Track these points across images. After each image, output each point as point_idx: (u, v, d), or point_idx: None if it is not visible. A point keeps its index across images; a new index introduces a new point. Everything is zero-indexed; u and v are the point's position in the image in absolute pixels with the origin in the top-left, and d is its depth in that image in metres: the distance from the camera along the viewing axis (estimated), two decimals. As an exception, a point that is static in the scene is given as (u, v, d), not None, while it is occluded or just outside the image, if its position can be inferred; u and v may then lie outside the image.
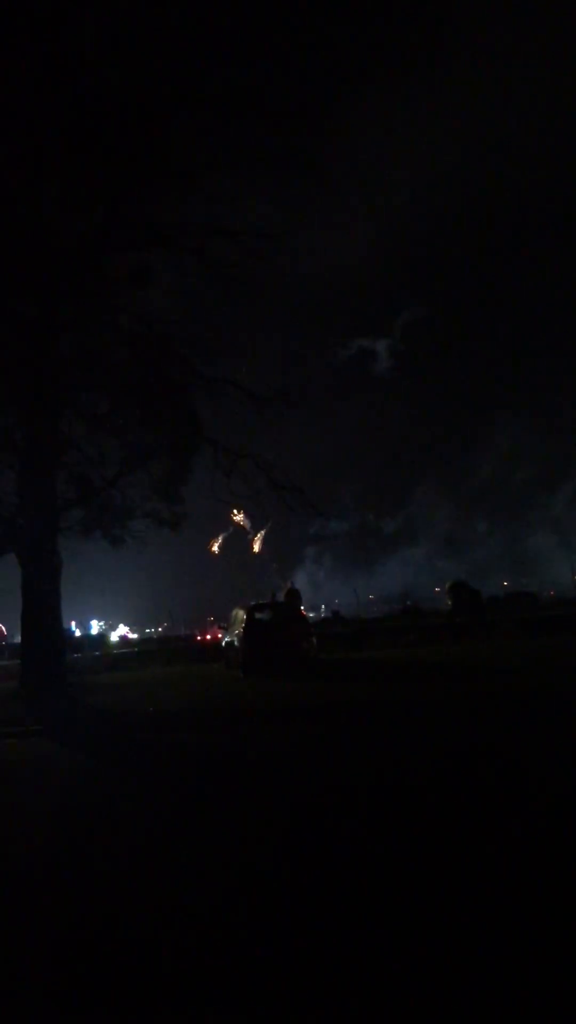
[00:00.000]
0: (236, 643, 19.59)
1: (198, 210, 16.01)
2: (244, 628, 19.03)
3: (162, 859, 4.97)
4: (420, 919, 3.59)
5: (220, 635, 28.82)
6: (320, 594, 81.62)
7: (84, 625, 63.81)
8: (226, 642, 21.93)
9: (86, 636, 52.35)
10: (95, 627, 67.47)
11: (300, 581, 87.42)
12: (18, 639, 23.34)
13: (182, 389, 17.23)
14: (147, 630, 76.88)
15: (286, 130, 15.80)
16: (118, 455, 17.57)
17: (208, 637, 41.19)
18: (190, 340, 16.83)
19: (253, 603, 21.06)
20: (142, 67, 15.30)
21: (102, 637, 53.31)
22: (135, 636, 66.93)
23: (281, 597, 26.41)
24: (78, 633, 52.69)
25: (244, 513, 19.30)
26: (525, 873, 4.05)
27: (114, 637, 58.67)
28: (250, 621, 19.22)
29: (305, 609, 25.50)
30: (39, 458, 16.03)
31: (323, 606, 72.89)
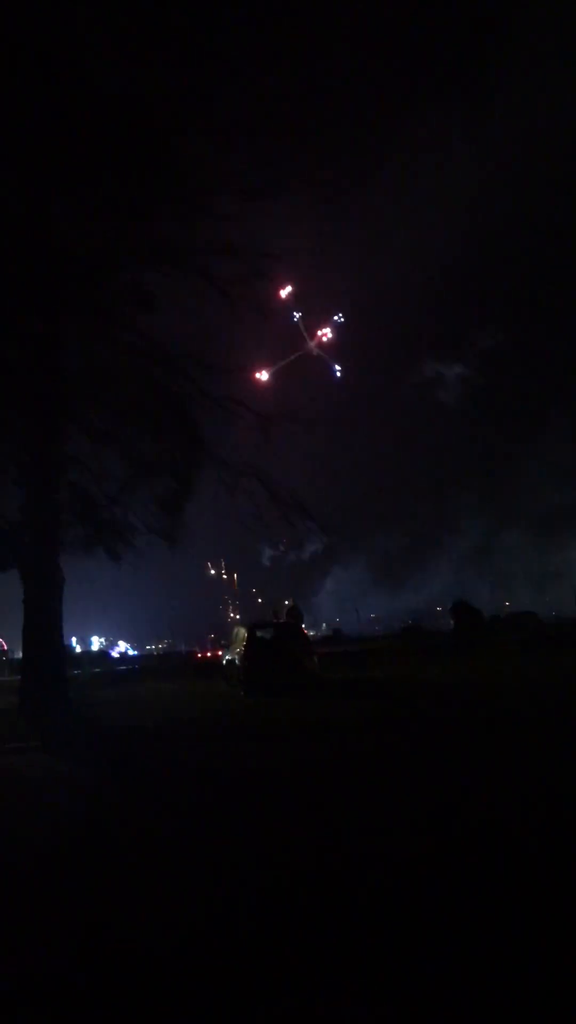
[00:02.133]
0: (237, 661, 19.55)
1: (205, 229, 16.16)
2: (245, 646, 19.00)
3: (161, 874, 4.95)
4: (417, 940, 3.58)
5: (220, 653, 28.78)
6: (344, 611, 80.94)
7: (85, 641, 63.71)
8: (227, 660, 21.89)
9: (86, 652, 52.24)
10: (95, 643, 67.39)
11: (323, 596, 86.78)
12: (19, 654, 23.30)
13: (185, 406, 17.30)
14: (147, 646, 76.73)
15: (321, 153, 15.96)
16: (121, 471, 17.61)
17: (208, 654, 41.12)
18: (195, 357, 16.92)
19: (254, 621, 21.04)
20: (152, 86, 15.51)
21: (102, 653, 53.21)
22: (135, 652, 66.76)
23: (283, 615, 26.38)
24: (79, 649, 52.57)
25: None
26: (522, 893, 4.05)
27: (114, 653, 58.55)
28: (251, 639, 19.18)
29: (306, 627, 25.46)
30: (42, 474, 16.07)
31: (324, 624, 72.78)
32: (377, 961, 3.39)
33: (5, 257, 15.32)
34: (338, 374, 59.51)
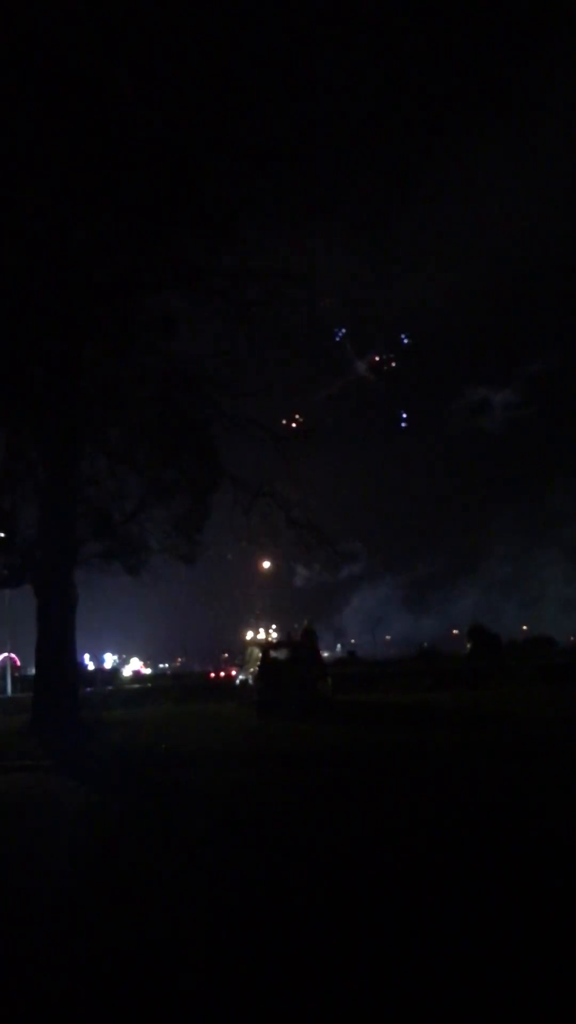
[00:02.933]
0: (250, 681, 19.40)
1: (228, 253, 16.26)
2: (259, 667, 18.85)
3: (167, 895, 4.86)
4: (418, 971, 3.46)
5: (234, 673, 28.60)
6: (366, 632, 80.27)
7: (97, 659, 63.65)
8: (240, 680, 21.74)
9: (99, 670, 52.16)
10: (108, 661, 67.30)
11: (348, 614, 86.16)
12: (32, 670, 23.25)
13: (205, 427, 17.34)
14: (160, 665, 76.57)
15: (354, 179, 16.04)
16: (137, 490, 17.65)
17: (222, 674, 40.89)
18: (216, 379, 16.97)
19: (269, 641, 20.90)
20: (177, 112, 15.70)
21: (115, 671, 53.10)
22: (148, 671, 66.64)
23: (298, 636, 26.23)
24: (91, 667, 52.50)
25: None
26: (527, 919, 3.91)
27: (127, 672, 58.44)
28: (265, 660, 19.04)
29: (321, 648, 25.26)
30: (59, 492, 16.12)
31: (339, 646, 72.29)
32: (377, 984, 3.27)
33: (30, 280, 15.48)
34: (404, 424, 59.73)
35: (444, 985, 3.38)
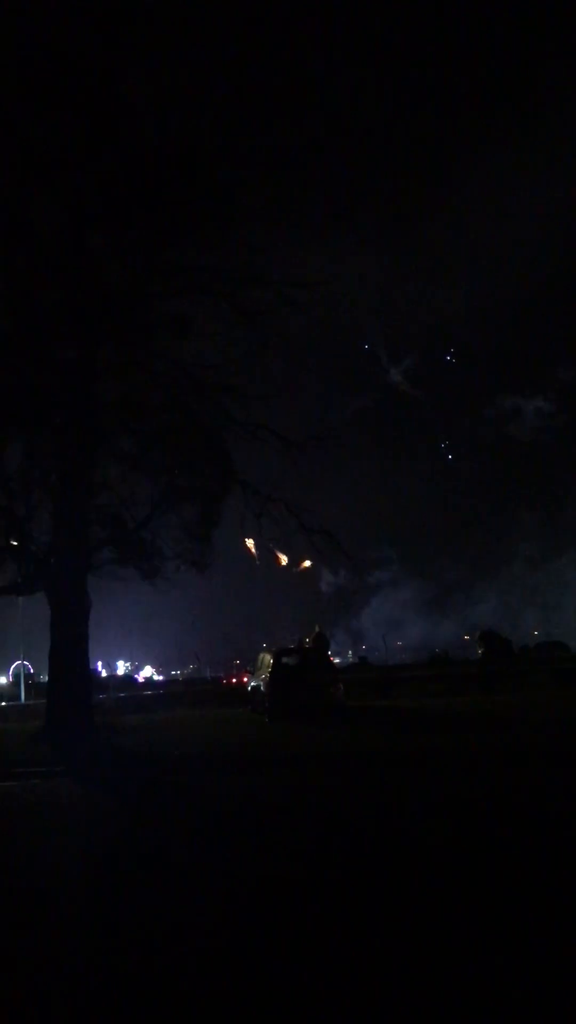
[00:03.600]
0: (262, 687, 19.42)
1: (238, 259, 16.36)
2: (271, 673, 18.88)
3: (179, 900, 4.89)
4: (424, 974, 3.49)
5: (246, 679, 28.61)
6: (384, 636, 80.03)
7: (111, 666, 63.74)
8: (252, 686, 21.76)
9: (112, 676, 52.26)
10: (121, 668, 67.39)
11: (365, 618, 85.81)
12: (45, 677, 23.37)
13: (216, 433, 17.43)
14: (173, 672, 76.58)
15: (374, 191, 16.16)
16: (150, 497, 17.75)
17: (235, 680, 40.89)
18: (227, 385, 17.06)
19: (280, 648, 20.93)
20: (189, 119, 15.85)
21: (128, 678, 53.20)
22: (161, 678, 66.69)
23: (309, 642, 26.19)
24: (104, 673, 52.62)
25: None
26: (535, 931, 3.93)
27: (140, 678, 58.52)
28: (277, 666, 19.07)
29: (332, 654, 25.23)
30: (72, 499, 16.24)
31: (350, 652, 72.05)
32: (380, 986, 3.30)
33: (43, 287, 15.65)
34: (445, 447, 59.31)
35: (449, 987, 3.41)
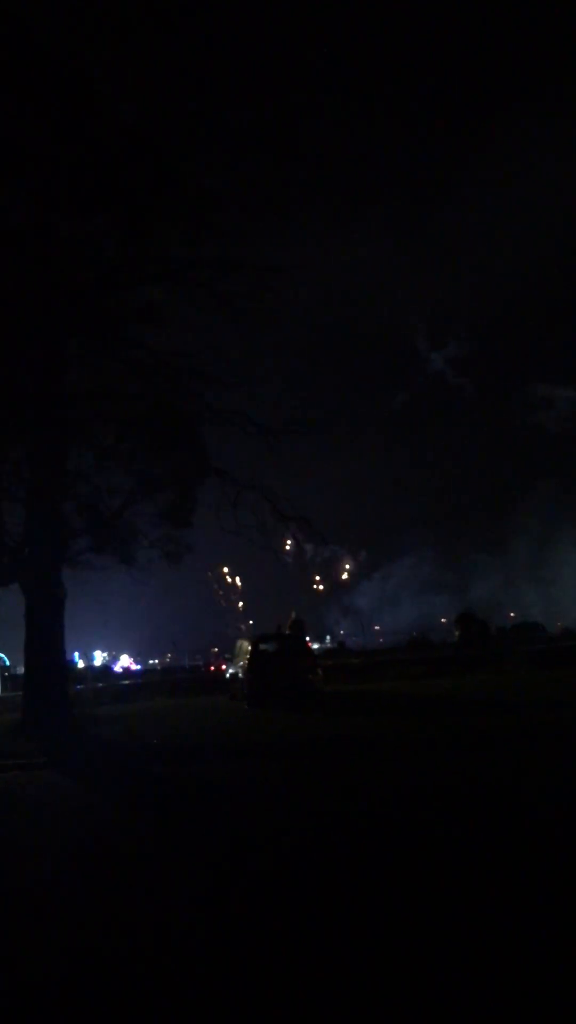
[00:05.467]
0: (241, 675, 19.44)
1: (211, 245, 16.17)
2: (249, 660, 18.90)
3: (162, 890, 4.87)
4: (413, 960, 3.49)
5: (224, 667, 28.64)
6: (387, 618, 79.98)
7: (87, 656, 63.40)
8: (231, 674, 21.79)
9: (89, 667, 51.99)
10: (98, 658, 67.08)
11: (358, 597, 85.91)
12: (21, 669, 23.16)
13: (191, 420, 17.28)
14: (150, 661, 76.39)
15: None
16: (125, 485, 17.59)
17: (211, 668, 40.86)
18: (202, 372, 16.90)
19: (258, 634, 20.95)
20: (156, 103, 15.58)
21: (105, 668, 52.97)
22: (138, 667, 66.51)
23: (286, 628, 26.24)
24: (81, 664, 52.34)
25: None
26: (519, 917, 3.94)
27: (117, 668, 58.29)
28: (255, 653, 19.09)
29: (310, 639, 25.30)
30: (46, 489, 16.04)
31: (328, 636, 72.27)
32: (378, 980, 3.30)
33: (11, 276, 15.36)
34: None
35: (445, 980, 3.41)
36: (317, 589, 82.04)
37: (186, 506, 18.19)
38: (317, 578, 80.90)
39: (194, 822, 6.93)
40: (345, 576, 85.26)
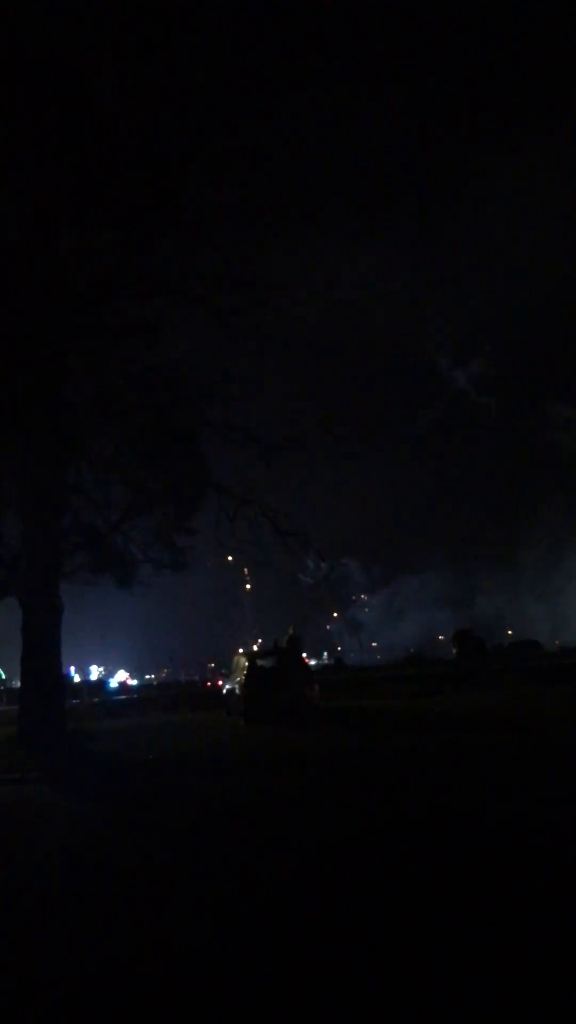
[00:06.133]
0: (237, 690, 19.37)
1: (210, 260, 16.28)
2: (245, 675, 18.84)
3: (157, 904, 4.84)
4: (412, 972, 3.47)
5: (221, 682, 28.53)
6: (395, 635, 79.85)
7: (83, 670, 63.20)
8: (227, 689, 21.70)
9: (85, 681, 51.79)
10: (94, 672, 66.86)
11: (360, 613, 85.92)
12: (17, 683, 23.06)
13: (190, 435, 17.33)
14: (147, 676, 76.10)
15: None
16: (123, 499, 17.60)
17: (208, 684, 40.71)
18: (201, 386, 16.97)
19: (254, 650, 20.89)
20: (157, 119, 15.73)
21: (101, 683, 52.74)
22: (135, 682, 66.27)
23: (283, 643, 26.15)
24: (77, 678, 52.13)
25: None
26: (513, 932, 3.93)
27: (113, 683, 58.05)
28: (251, 668, 19.03)
29: (307, 656, 25.22)
30: (43, 502, 16.04)
31: (325, 653, 72.07)
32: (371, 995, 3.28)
33: (11, 289, 15.45)
34: None
35: (441, 990, 3.40)
36: (330, 605, 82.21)
37: (185, 520, 18.21)
38: (327, 594, 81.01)
39: (190, 837, 6.90)
40: (358, 596, 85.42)
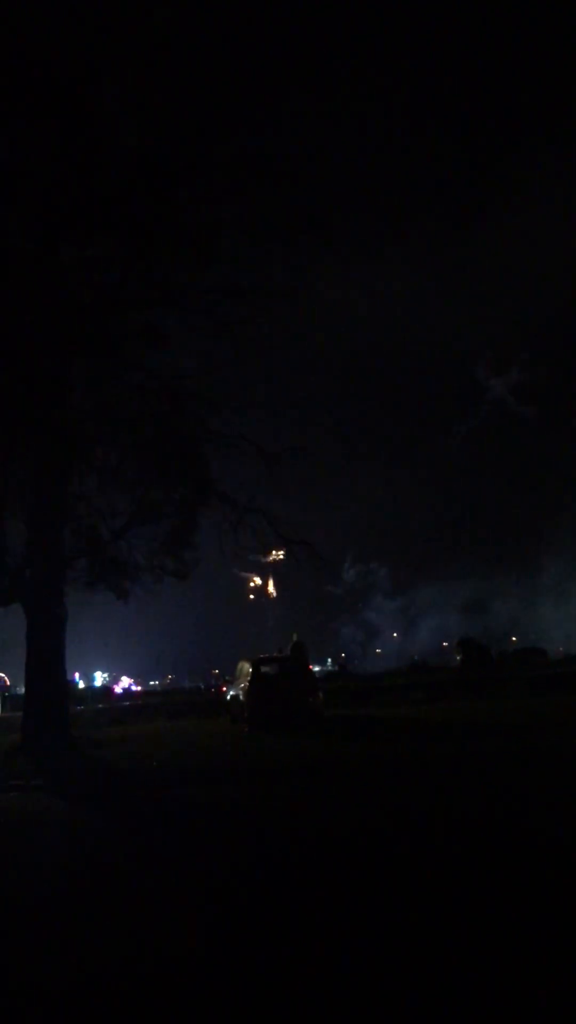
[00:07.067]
0: (241, 697, 19.36)
1: (214, 271, 16.36)
2: (250, 682, 18.83)
3: (161, 913, 4.86)
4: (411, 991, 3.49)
5: (224, 688, 28.51)
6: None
7: (88, 677, 63.26)
8: (231, 696, 21.68)
9: (89, 688, 51.85)
10: (99, 679, 66.93)
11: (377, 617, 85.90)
12: (21, 690, 23.09)
13: (194, 444, 17.38)
14: (151, 682, 76.12)
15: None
16: (127, 508, 17.65)
17: (222, 689, 40.70)
18: (204, 395, 17.03)
19: (259, 656, 20.86)
20: (161, 128, 15.83)
21: (105, 689, 52.81)
22: (139, 688, 66.28)
23: (287, 650, 26.14)
24: (82, 685, 52.19)
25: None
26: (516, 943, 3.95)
27: (117, 689, 58.10)
28: (256, 675, 19.02)
29: (311, 663, 25.17)
30: (48, 510, 16.12)
31: (329, 660, 71.87)
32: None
33: (15, 300, 15.55)
34: None
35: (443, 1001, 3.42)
36: (349, 609, 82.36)
37: (189, 529, 18.25)
38: (348, 600, 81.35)
39: (192, 846, 6.92)
40: (380, 600, 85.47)
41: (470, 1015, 3.18)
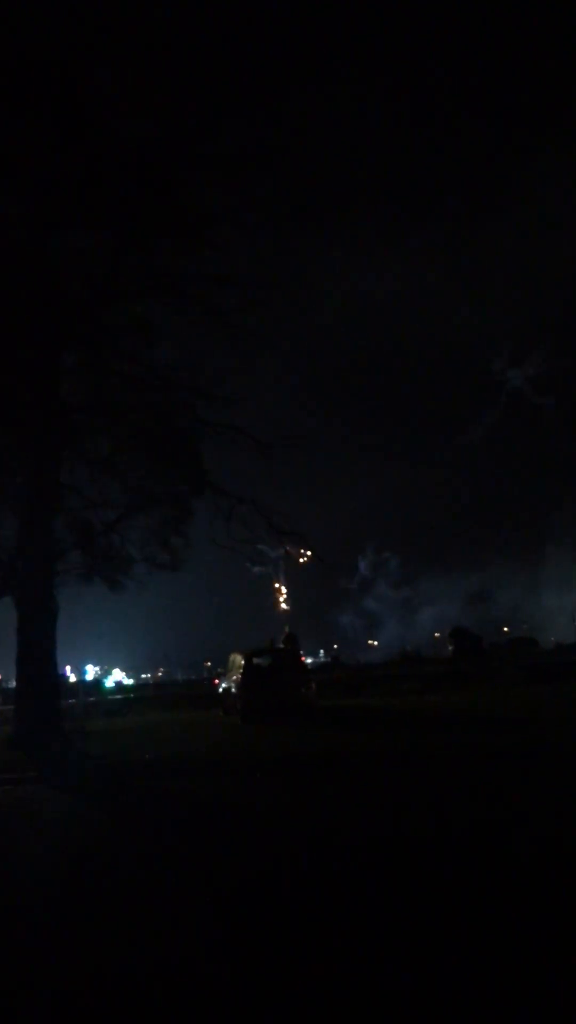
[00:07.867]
0: (234, 689, 19.36)
1: (208, 260, 16.23)
2: (242, 674, 18.83)
3: (157, 905, 4.83)
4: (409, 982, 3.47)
5: (216, 681, 28.53)
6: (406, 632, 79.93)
7: (79, 670, 63.07)
8: (223, 688, 21.68)
9: (81, 681, 51.71)
10: (90, 672, 66.73)
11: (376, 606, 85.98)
12: (13, 683, 23.01)
13: (187, 434, 17.29)
14: (143, 675, 76.00)
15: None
16: (119, 499, 17.56)
17: (214, 681, 40.68)
18: (198, 386, 16.93)
19: (251, 648, 20.86)
20: (157, 119, 15.68)
21: (97, 682, 52.67)
22: (131, 681, 66.20)
23: (280, 642, 26.19)
24: (73, 678, 52.04)
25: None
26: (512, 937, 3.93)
27: (109, 682, 57.99)
28: (248, 667, 19.02)
29: (304, 654, 25.24)
30: (39, 502, 16.01)
31: (322, 651, 71.92)
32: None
33: (7, 290, 15.40)
34: None
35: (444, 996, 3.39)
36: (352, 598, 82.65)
37: (182, 520, 18.18)
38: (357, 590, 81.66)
39: (187, 838, 6.89)
40: (386, 589, 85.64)
41: (470, 1015, 3.14)
